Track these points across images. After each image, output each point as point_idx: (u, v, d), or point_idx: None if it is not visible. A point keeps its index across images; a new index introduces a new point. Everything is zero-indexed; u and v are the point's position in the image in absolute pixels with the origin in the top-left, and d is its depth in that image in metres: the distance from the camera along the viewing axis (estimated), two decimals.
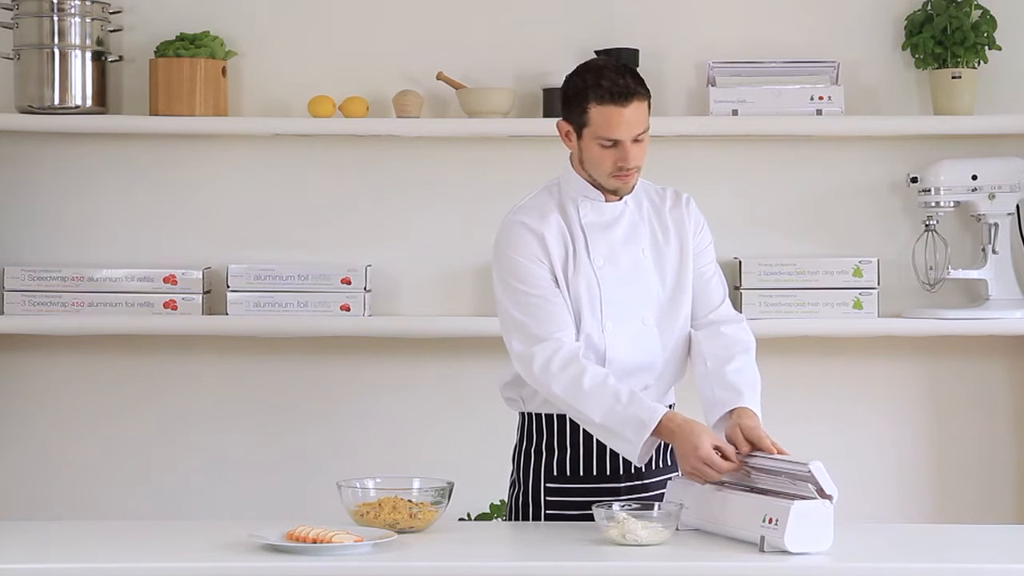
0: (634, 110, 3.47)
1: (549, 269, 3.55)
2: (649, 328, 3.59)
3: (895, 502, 4.87)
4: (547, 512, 3.60)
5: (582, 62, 3.59)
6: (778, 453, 3.32)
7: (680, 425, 3.39)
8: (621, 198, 3.60)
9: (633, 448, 3.42)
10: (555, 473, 3.61)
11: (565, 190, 3.62)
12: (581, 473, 3.57)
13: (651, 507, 3.28)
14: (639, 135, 3.49)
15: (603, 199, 3.59)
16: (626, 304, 3.57)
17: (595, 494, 3.52)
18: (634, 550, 3.19)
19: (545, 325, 3.51)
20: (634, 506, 3.29)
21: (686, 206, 3.67)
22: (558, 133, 3.59)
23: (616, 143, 3.48)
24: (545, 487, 3.60)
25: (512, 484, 3.70)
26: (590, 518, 3.34)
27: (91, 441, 4.88)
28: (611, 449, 3.54)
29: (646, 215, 3.63)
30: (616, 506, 3.28)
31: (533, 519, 3.61)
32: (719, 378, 3.54)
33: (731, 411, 3.48)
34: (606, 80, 3.46)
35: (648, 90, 3.51)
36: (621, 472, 3.59)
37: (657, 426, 3.39)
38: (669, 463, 3.63)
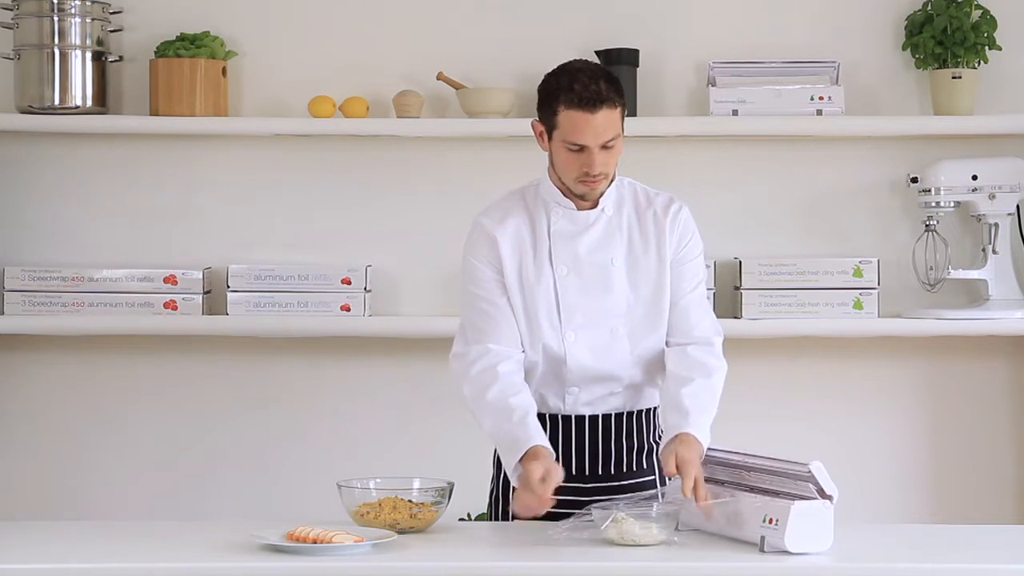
0: (603, 117, 3.40)
1: (497, 272, 3.54)
2: (619, 338, 3.53)
3: (895, 502, 4.87)
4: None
5: (561, 63, 3.54)
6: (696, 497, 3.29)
7: (535, 461, 3.35)
8: (593, 204, 3.54)
9: (508, 466, 3.43)
10: None
11: (540, 195, 3.57)
12: None
13: (650, 507, 3.27)
14: (608, 142, 3.42)
15: (575, 207, 3.54)
16: (592, 313, 3.52)
17: (561, 493, 3.41)
18: (633, 550, 3.19)
19: (483, 332, 3.51)
20: (633, 506, 3.28)
21: (674, 215, 3.56)
22: (532, 133, 3.54)
23: (583, 148, 3.42)
24: (513, 488, 3.51)
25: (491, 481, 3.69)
26: (555, 517, 3.33)
27: (91, 441, 4.88)
28: (577, 450, 3.56)
29: (625, 222, 3.55)
30: (615, 506, 3.27)
31: (503, 519, 3.59)
32: (675, 401, 3.46)
33: (676, 436, 3.42)
34: (578, 84, 3.41)
35: (623, 96, 3.44)
36: (587, 473, 3.57)
37: (525, 454, 3.38)
38: (645, 466, 3.60)
